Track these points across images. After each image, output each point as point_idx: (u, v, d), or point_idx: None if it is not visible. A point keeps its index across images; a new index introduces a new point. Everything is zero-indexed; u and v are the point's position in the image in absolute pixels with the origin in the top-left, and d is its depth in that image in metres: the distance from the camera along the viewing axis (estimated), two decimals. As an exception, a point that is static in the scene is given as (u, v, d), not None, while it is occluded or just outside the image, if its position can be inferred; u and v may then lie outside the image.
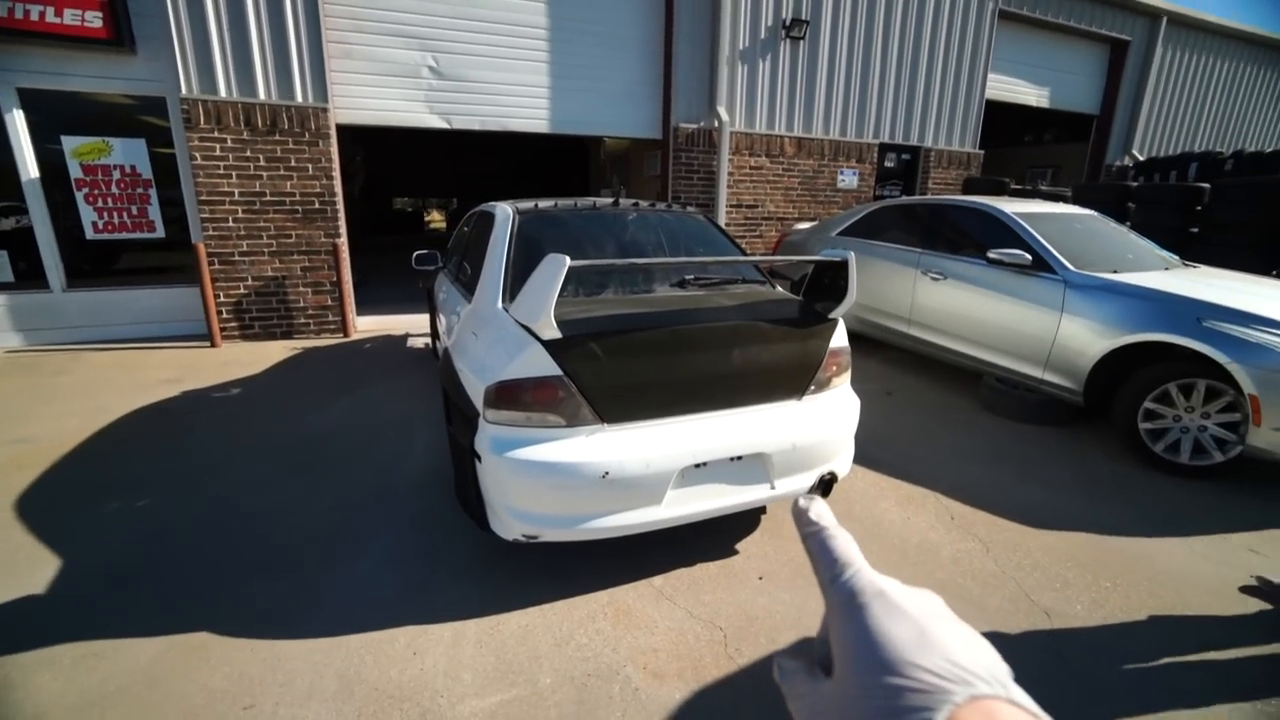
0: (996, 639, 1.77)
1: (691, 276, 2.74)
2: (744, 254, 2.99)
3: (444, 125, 6.34)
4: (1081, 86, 10.35)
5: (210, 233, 5.49)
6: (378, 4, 5.84)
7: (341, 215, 5.93)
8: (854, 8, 7.73)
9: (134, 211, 5.51)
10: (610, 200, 3.20)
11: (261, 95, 5.45)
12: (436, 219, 25.83)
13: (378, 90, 6.01)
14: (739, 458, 2.26)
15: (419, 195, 23.52)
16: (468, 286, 3.06)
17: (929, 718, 0.27)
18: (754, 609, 2.18)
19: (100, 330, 5.67)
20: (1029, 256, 3.92)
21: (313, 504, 2.85)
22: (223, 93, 5.33)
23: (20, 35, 4.80)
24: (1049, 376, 3.84)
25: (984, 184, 8.31)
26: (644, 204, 3.28)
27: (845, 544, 0.36)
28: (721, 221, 7.37)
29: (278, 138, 5.53)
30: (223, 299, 5.65)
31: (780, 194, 7.96)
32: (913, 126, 8.56)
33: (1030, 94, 9.83)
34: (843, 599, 0.33)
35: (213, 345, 5.56)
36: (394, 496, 2.93)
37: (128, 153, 5.40)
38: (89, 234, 5.44)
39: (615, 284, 2.60)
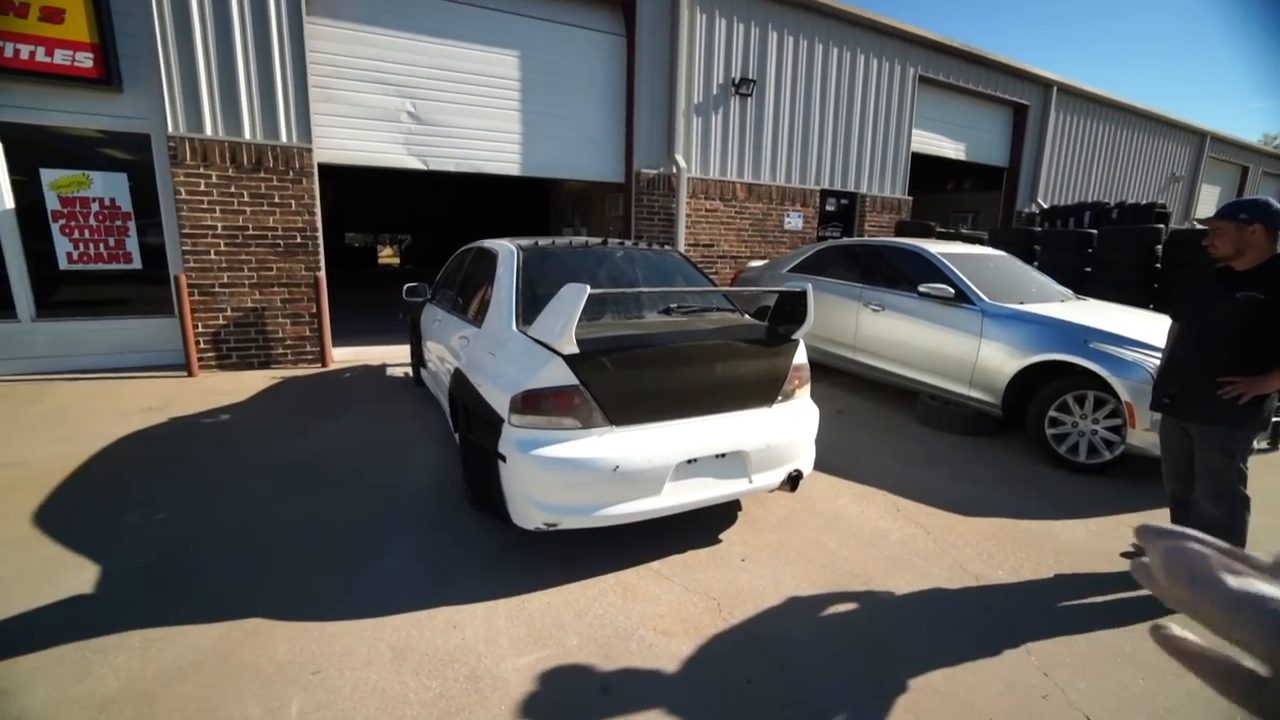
0: (937, 596, 2.25)
1: (675, 305, 3.19)
2: (715, 287, 3.48)
3: (421, 166, 6.70)
4: (992, 142, 11.71)
5: (191, 264, 5.60)
6: (361, 53, 6.21)
7: (321, 249, 6.15)
8: (794, 70, 8.64)
9: (111, 243, 5.57)
10: (599, 240, 3.65)
11: (247, 135, 5.68)
12: (388, 255, 25.70)
13: (358, 132, 6.33)
14: (723, 455, 2.68)
15: (372, 231, 23.46)
16: (474, 315, 3.41)
17: None
18: (740, 583, 2.58)
19: (69, 360, 5.62)
20: (951, 290, 4.60)
21: (328, 514, 3.08)
22: (209, 131, 5.54)
23: (4, 72, 4.91)
24: (973, 393, 4.47)
25: (913, 227, 9.28)
26: (628, 243, 3.74)
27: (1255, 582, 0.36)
28: (682, 258, 7.95)
29: (262, 175, 5.75)
30: (201, 329, 5.73)
31: (734, 234, 8.65)
32: (850, 174, 9.50)
33: (949, 148, 11.05)
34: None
35: (189, 375, 5.60)
36: (406, 504, 3.19)
37: (108, 186, 5.49)
38: (62, 264, 5.45)
39: (612, 310, 3.02)
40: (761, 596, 2.49)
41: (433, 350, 4.43)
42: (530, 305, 2.92)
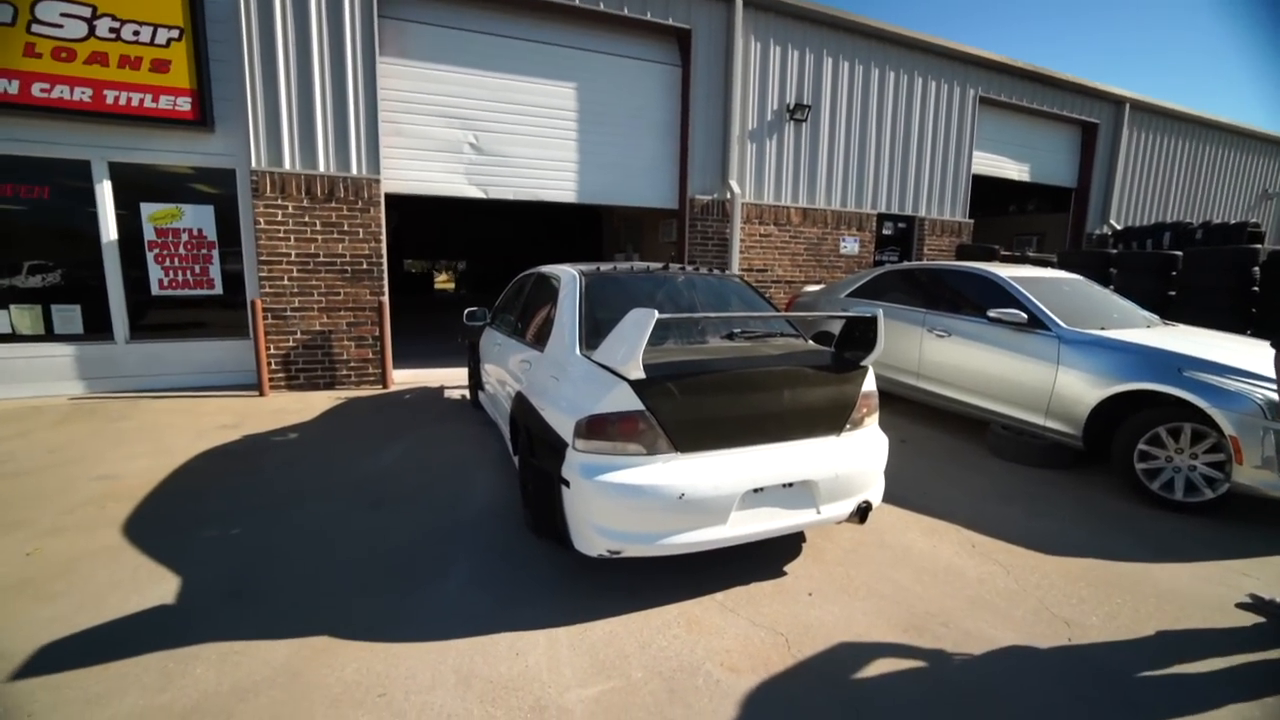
0: (1025, 643, 2.07)
1: (739, 330, 3.15)
2: (778, 312, 3.42)
3: (481, 195, 6.94)
4: (1059, 162, 11.26)
5: (266, 289, 5.93)
6: (426, 89, 6.54)
7: (385, 275, 6.41)
8: (850, 94, 8.59)
9: (197, 270, 5.96)
10: (660, 265, 3.65)
11: (322, 168, 6.02)
12: (444, 280, 26.66)
13: (423, 163, 6.62)
14: (790, 484, 2.59)
15: (429, 258, 24.42)
16: (534, 339, 3.46)
17: None
18: (808, 619, 2.46)
19: (156, 379, 6.00)
20: (1024, 315, 4.37)
21: (392, 534, 3.13)
22: (288, 165, 5.90)
23: (116, 117, 5.38)
24: (1050, 423, 4.21)
25: (975, 250, 8.97)
26: (689, 268, 3.72)
27: None
28: (734, 283, 7.90)
29: (334, 205, 6.07)
30: (273, 351, 6.03)
31: (788, 259, 8.56)
32: (907, 198, 9.30)
33: (1012, 169, 10.69)
34: None
35: (261, 394, 5.88)
36: (466, 526, 3.21)
37: (197, 217, 5.90)
38: (154, 290, 5.86)
39: (675, 335, 3.00)
40: (832, 633, 2.36)
41: (492, 374, 4.51)
42: (593, 330, 2.93)
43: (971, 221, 9.98)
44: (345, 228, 6.16)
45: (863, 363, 2.83)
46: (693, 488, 2.38)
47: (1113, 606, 2.60)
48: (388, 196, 6.44)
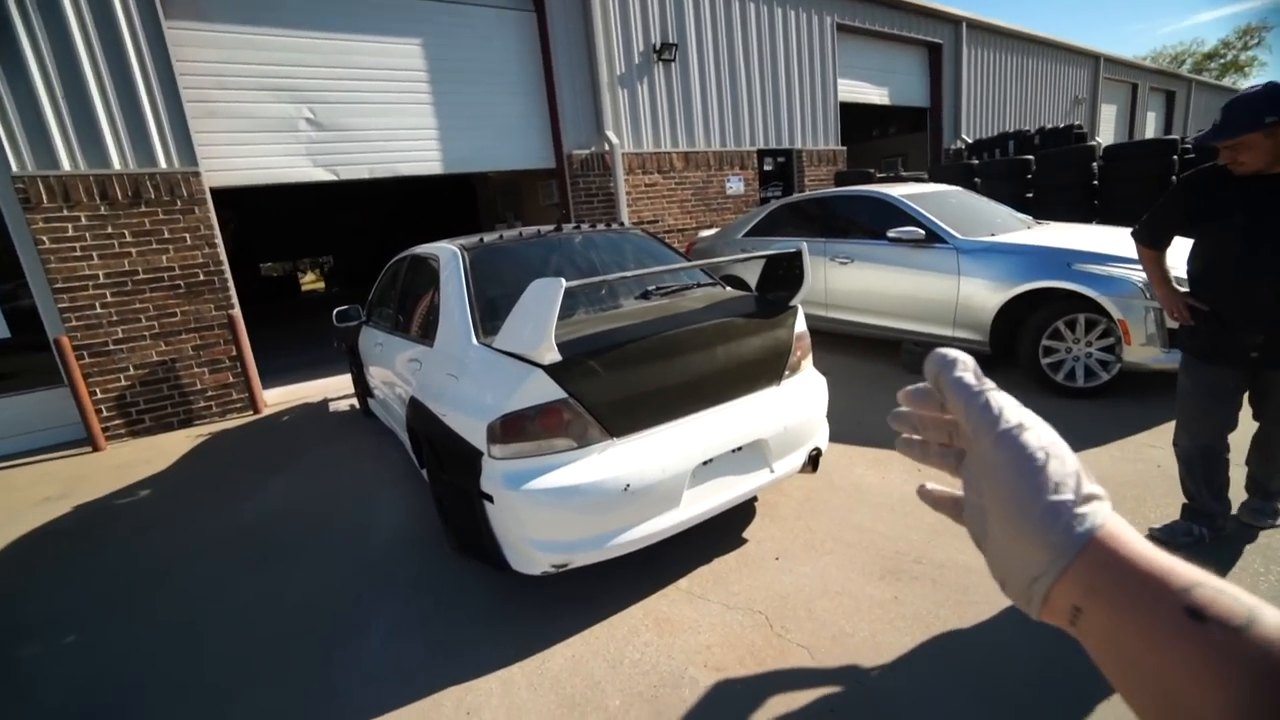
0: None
1: (654, 287, 2.82)
2: (692, 262, 3.13)
3: (331, 177, 6.03)
4: (913, 84, 11.76)
5: (74, 323, 4.82)
6: (241, 58, 5.48)
7: (231, 285, 5.44)
8: (715, 30, 8.31)
9: (-32, 313, 4.72)
10: (551, 227, 3.22)
11: (116, 165, 4.90)
12: (311, 281, 24.18)
13: (254, 148, 5.61)
14: (739, 448, 2.35)
15: (289, 258, 21.96)
16: (420, 332, 2.95)
17: (1088, 523, 0.35)
18: (782, 587, 2.27)
19: (-60, 457, 4.77)
20: (922, 231, 4.40)
21: (288, 592, 2.59)
22: (66, 166, 4.74)
23: None
24: (958, 333, 4.31)
25: (853, 176, 9.17)
26: (585, 226, 3.33)
27: (997, 394, 0.41)
28: (629, 239, 7.56)
29: (144, 209, 4.99)
30: (100, 395, 4.96)
31: (676, 207, 8.31)
32: (783, 131, 9.30)
33: (874, 94, 11.01)
34: (1001, 438, 0.39)
35: (95, 449, 4.85)
36: (377, 563, 2.73)
37: (-49, 246, 4.63)
38: (-90, 347, 4.59)
39: (584, 303, 2.63)
40: (811, 599, 2.19)
41: (378, 377, 3.92)
42: (488, 312, 2.50)
43: (845, 149, 10.22)
44: (165, 235, 5.11)
45: (791, 302, 2.62)
46: (638, 475, 2.07)
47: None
48: (217, 192, 5.41)
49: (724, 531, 2.67)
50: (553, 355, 1.96)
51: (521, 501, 1.99)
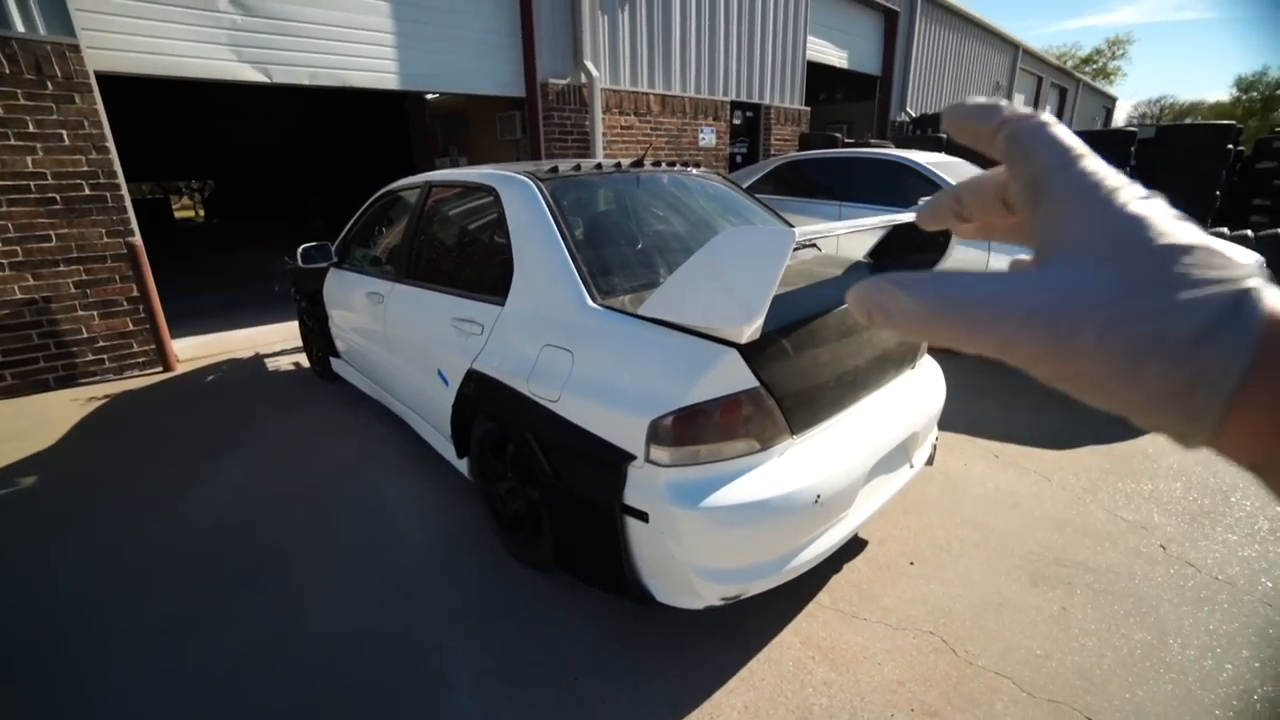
0: (1135, 566, 1.79)
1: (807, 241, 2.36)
2: (782, 220, 2.71)
3: (263, 79, 4.84)
4: (869, 51, 11.70)
5: (-105, 243, 3.52)
6: (131, -100, 4.13)
7: (129, 204, 4.25)
8: (699, -39, 7.62)
9: None
10: (631, 160, 2.61)
11: (-48, 24, 3.55)
12: (183, 208, 20.79)
13: (158, 25, 4.31)
14: (903, 442, 2.02)
15: (160, 179, 18.63)
16: (472, 284, 2.31)
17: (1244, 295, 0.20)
18: (937, 600, 2.00)
19: None
20: (958, 202, 4.23)
21: (308, 629, 1.96)
22: (-126, 18, 3.35)
23: None
24: (984, 310, 4.23)
25: (818, 139, 8.97)
26: (664, 164, 2.74)
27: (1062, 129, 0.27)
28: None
29: (-2, 91, 3.69)
30: (-59, 342, 3.72)
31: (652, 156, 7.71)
32: (754, 84, 8.87)
33: (834, 55, 10.82)
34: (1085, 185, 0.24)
35: (-62, 414, 3.65)
36: (418, 583, 2.14)
37: None
38: None
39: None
40: (976, 614, 1.94)
41: (365, 335, 3.18)
42: (600, 268, 1.94)
43: (809, 109, 10.00)
44: (30, 128, 3.83)
45: (937, 268, 2.27)
46: (826, 482, 1.67)
47: (1165, 498, 2.58)
48: (104, 78, 4.13)
49: (839, 531, 2.35)
50: (755, 331, 1.47)
51: (696, 521, 1.52)
